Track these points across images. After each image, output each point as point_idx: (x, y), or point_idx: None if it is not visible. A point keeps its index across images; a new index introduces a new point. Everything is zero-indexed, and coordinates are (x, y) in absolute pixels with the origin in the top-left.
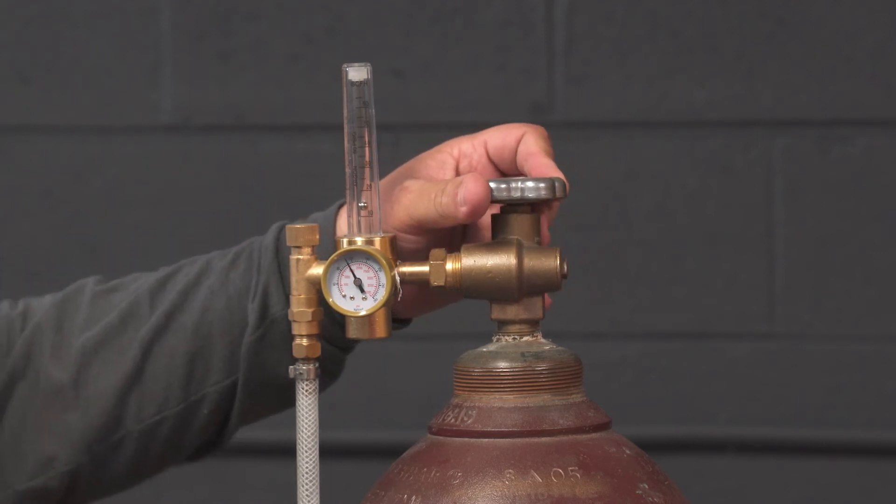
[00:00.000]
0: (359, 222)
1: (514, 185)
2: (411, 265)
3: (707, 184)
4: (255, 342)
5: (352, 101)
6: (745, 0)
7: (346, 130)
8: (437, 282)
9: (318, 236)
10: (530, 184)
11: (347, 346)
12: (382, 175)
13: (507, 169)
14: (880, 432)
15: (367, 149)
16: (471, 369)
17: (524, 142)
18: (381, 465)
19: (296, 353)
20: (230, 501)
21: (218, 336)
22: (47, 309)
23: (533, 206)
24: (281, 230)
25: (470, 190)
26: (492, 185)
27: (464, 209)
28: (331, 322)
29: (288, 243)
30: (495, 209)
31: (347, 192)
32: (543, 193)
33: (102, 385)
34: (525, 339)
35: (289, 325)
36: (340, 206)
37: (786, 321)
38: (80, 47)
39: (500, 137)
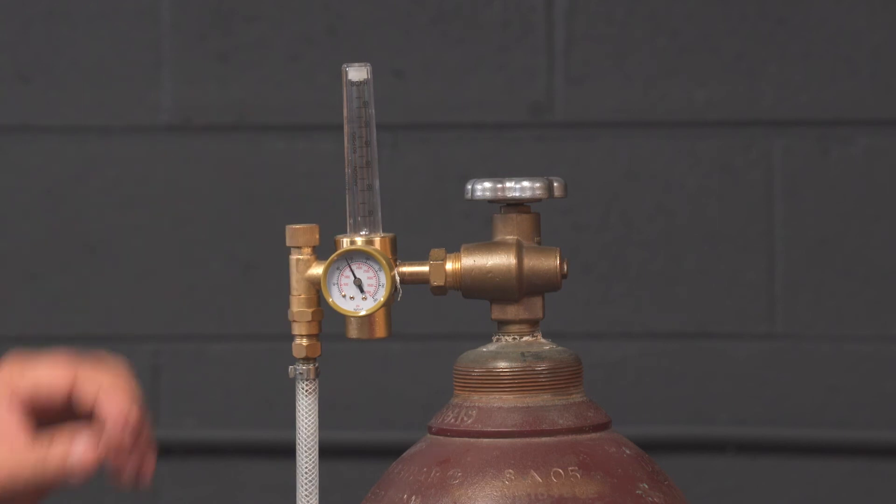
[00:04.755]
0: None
1: (508, 184)
2: (411, 265)
3: (707, 184)
4: None
5: (352, 101)
6: (745, 0)
7: (346, 130)
8: (436, 281)
9: (317, 236)
10: (526, 183)
11: None
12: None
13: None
14: (880, 432)
15: (366, 149)
16: (471, 369)
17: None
18: (381, 465)
19: (296, 353)
20: (230, 501)
21: None
22: None
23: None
24: None
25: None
26: (488, 184)
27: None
28: None
29: (288, 243)
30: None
31: (348, 191)
32: (539, 193)
33: None
34: (525, 338)
35: None
36: None
37: (786, 321)
38: (80, 47)
39: (45, 389)
